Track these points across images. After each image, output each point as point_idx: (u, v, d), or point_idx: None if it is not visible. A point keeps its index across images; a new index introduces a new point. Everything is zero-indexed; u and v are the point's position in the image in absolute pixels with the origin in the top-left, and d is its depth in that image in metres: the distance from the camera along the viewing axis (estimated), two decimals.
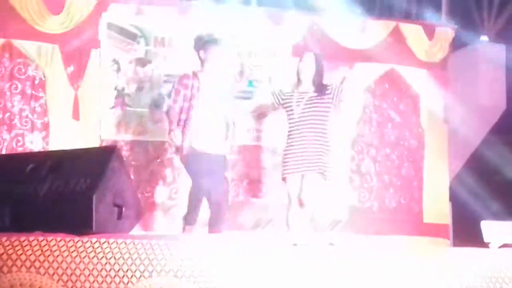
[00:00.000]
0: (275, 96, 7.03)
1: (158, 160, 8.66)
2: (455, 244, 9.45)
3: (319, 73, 6.93)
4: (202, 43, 7.19)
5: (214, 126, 7.05)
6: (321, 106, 6.83)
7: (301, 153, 6.76)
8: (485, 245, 5.86)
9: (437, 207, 9.73)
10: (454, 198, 9.90)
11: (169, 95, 7.16)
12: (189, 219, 6.98)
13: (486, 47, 10.59)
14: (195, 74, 7.08)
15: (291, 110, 6.86)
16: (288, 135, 6.90)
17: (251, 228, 8.85)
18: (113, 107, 8.58)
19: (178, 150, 7.08)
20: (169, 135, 7.02)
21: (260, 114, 7.86)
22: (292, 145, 6.82)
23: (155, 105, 8.63)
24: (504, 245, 5.81)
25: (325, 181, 6.79)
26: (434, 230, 9.55)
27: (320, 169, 6.74)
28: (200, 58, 7.17)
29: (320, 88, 6.87)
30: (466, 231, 8.16)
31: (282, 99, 6.95)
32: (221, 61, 7.25)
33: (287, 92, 6.98)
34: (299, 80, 6.93)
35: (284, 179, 6.87)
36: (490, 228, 5.94)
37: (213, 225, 7.00)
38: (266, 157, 9.04)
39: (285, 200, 6.91)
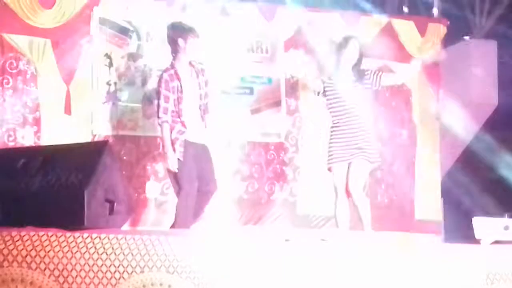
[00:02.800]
0: (321, 83, 6.97)
1: (150, 156, 8.64)
2: (446, 240, 9.45)
3: (360, 60, 6.92)
4: (182, 31, 7.12)
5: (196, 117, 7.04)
6: (363, 93, 6.83)
7: (347, 141, 6.75)
8: (476, 241, 5.88)
9: (429, 204, 9.75)
10: (446, 195, 9.92)
11: (157, 104, 7.06)
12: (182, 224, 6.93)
13: (478, 43, 10.61)
14: (176, 73, 7.02)
15: (335, 98, 6.83)
16: (332, 124, 6.88)
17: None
18: (105, 102, 8.55)
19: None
20: (165, 160, 7.00)
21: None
22: (337, 134, 6.81)
23: (147, 100, 8.62)
24: (496, 242, 5.82)
25: (371, 168, 6.77)
26: (426, 227, 9.55)
27: (367, 156, 6.76)
28: (178, 46, 7.09)
29: (361, 74, 6.87)
30: (457, 227, 8.18)
31: (325, 88, 6.91)
32: (200, 53, 7.23)
33: (328, 80, 6.94)
34: (339, 67, 6.89)
35: (329, 169, 6.85)
36: (481, 225, 5.96)
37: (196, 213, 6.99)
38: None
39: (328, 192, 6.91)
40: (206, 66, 7.55)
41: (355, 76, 6.89)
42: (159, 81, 7.04)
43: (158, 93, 7.04)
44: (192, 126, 6.98)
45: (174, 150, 6.85)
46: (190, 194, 6.86)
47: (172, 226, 6.93)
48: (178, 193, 6.96)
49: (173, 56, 7.11)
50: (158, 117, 6.96)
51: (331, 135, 6.86)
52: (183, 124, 6.94)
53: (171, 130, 6.90)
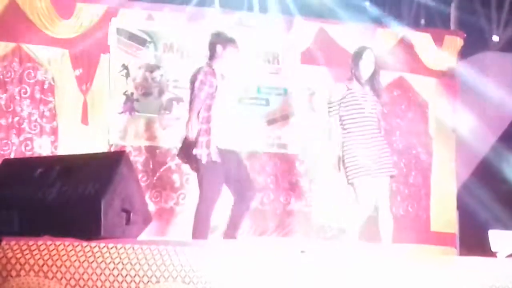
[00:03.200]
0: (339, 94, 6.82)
1: (166, 166, 8.67)
2: (462, 253, 9.44)
3: (376, 72, 6.85)
4: (221, 39, 7.13)
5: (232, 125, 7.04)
6: (378, 104, 6.79)
7: (369, 155, 6.59)
8: (492, 254, 5.87)
9: (445, 216, 9.73)
10: (461, 207, 9.89)
11: (192, 86, 6.96)
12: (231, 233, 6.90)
13: (494, 55, 10.60)
14: (213, 72, 6.96)
15: (353, 109, 6.72)
16: (348, 136, 6.72)
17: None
18: (121, 112, 8.60)
19: (186, 149, 6.95)
20: (187, 124, 6.79)
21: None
22: (356, 146, 6.63)
23: (164, 110, 8.66)
24: None
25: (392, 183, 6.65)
26: (441, 239, 9.55)
27: (388, 170, 6.65)
28: (216, 52, 7.08)
29: (377, 86, 6.81)
30: (473, 240, 8.17)
31: (342, 99, 6.76)
32: (237, 62, 7.24)
33: (346, 91, 6.79)
34: (356, 79, 6.81)
35: (352, 183, 6.66)
36: (497, 237, 5.95)
37: (231, 231, 6.92)
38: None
39: (353, 207, 6.80)
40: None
41: (371, 88, 6.82)
42: (204, 73, 6.94)
43: (196, 79, 6.90)
44: (221, 132, 6.91)
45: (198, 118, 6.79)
46: (211, 202, 6.80)
47: (193, 234, 6.88)
48: (199, 198, 6.87)
49: (209, 62, 7.11)
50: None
51: (349, 148, 6.68)
52: (209, 130, 6.90)
53: (199, 131, 6.82)
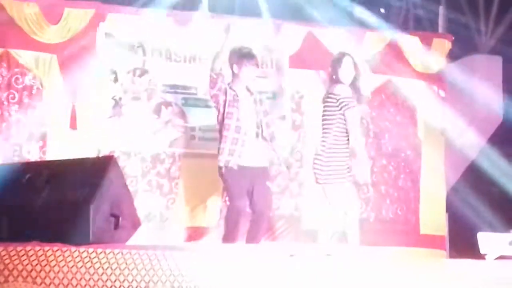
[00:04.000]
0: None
1: (155, 170, 8.66)
2: (451, 255, 9.46)
3: (356, 78, 6.88)
4: (236, 57, 7.17)
5: (254, 140, 7.12)
6: (359, 110, 6.88)
7: (342, 160, 6.71)
8: (481, 256, 5.87)
9: (434, 219, 9.73)
10: (450, 210, 9.91)
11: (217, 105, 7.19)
12: (231, 237, 6.99)
13: (482, 58, 10.62)
14: (235, 90, 7.16)
15: (331, 115, 6.81)
16: (325, 140, 6.81)
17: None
18: (110, 117, 8.58)
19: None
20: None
21: None
22: (329, 152, 6.74)
23: (153, 115, 8.65)
24: (501, 257, 5.81)
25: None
26: (430, 242, 9.55)
27: (351, 176, 6.76)
28: (233, 72, 7.18)
29: (358, 92, 6.85)
30: (462, 242, 8.18)
31: (324, 104, 6.87)
32: (253, 78, 7.26)
33: (327, 96, 6.89)
34: (335, 84, 6.85)
35: (323, 186, 6.80)
36: (486, 240, 5.96)
37: (253, 236, 7.01)
38: None
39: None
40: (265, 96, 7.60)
41: (353, 94, 6.83)
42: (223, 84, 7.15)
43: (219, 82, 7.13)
44: (246, 151, 7.07)
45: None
46: (241, 210, 6.99)
47: (224, 239, 7.06)
48: (227, 207, 7.17)
49: (230, 81, 7.21)
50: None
51: (329, 152, 6.75)
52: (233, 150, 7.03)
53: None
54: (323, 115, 6.86)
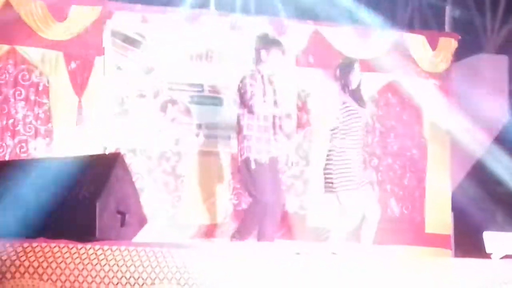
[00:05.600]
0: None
1: (161, 168, 8.66)
2: (457, 254, 9.45)
3: (360, 83, 6.95)
4: (265, 43, 7.13)
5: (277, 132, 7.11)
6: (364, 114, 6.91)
7: (358, 168, 6.76)
8: (487, 255, 5.88)
9: (439, 218, 9.72)
10: (456, 209, 9.90)
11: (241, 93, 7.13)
12: (246, 232, 6.96)
13: (489, 57, 10.61)
14: (261, 78, 7.08)
15: (352, 120, 6.83)
16: (341, 144, 6.83)
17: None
18: (116, 114, 8.59)
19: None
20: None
21: None
22: (347, 159, 6.75)
23: (159, 112, 8.66)
24: (506, 256, 5.81)
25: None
26: (436, 240, 9.54)
27: (368, 179, 6.89)
28: (260, 57, 7.13)
29: (361, 97, 6.88)
30: (468, 241, 8.18)
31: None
32: (280, 65, 7.23)
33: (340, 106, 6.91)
34: (346, 91, 6.87)
35: (337, 194, 6.80)
36: (492, 239, 5.97)
37: (267, 233, 6.99)
38: None
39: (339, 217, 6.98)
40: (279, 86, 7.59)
41: (357, 97, 6.88)
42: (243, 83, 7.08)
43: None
44: (262, 143, 7.05)
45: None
46: (268, 204, 6.91)
47: (237, 232, 7.07)
48: (250, 202, 7.11)
49: (256, 68, 7.16)
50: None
51: (339, 160, 6.76)
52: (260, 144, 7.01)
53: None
54: (338, 123, 6.84)
